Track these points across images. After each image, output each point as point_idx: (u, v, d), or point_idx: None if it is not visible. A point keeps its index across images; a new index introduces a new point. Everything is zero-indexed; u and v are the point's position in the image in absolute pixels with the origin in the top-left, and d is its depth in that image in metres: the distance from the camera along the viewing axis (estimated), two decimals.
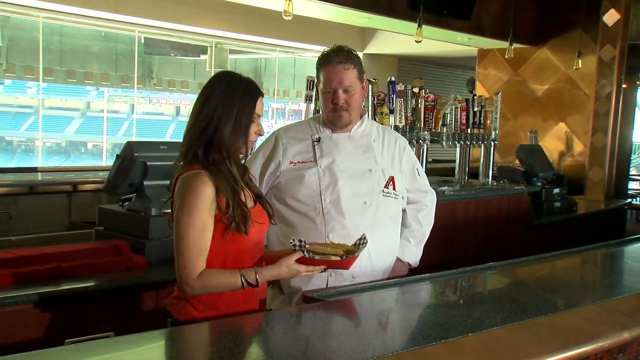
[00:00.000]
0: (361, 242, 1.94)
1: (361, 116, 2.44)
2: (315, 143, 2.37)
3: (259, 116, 1.92)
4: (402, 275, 2.44)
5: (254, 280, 1.83)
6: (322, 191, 2.30)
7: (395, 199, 2.41)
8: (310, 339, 1.60)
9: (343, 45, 2.35)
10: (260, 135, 1.95)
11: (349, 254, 1.92)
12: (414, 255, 2.57)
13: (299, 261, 1.87)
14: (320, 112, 2.46)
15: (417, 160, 2.63)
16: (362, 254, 2.27)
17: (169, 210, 1.91)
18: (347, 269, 1.96)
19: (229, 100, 1.86)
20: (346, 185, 2.31)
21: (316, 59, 2.39)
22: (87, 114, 11.02)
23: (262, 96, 1.95)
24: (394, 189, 2.39)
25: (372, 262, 2.32)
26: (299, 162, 2.34)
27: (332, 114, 2.33)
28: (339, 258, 1.89)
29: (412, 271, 2.53)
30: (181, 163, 1.90)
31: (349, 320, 1.79)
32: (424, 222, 2.59)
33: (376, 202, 2.34)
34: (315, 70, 2.41)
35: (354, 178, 2.33)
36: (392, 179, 2.39)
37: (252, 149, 1.99)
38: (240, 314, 1.87)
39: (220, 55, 9.45)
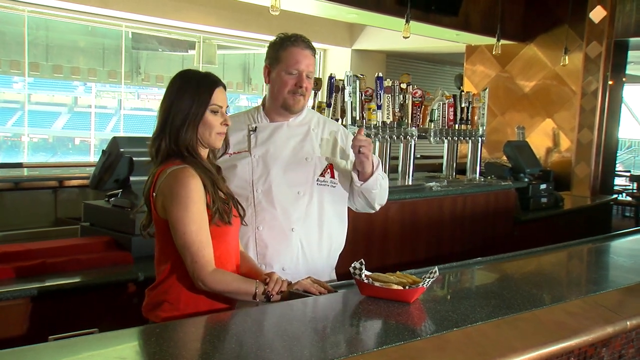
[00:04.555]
0: (430, 275, 1.84)
1: None
2: (252, 133, 2.33)
3: (221, 107, 1.91)
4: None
5: (264, 292, 1.85)
6: (254, 181, 2.26)
7: (332, 187, 2.32)
8: (295, 334, 1.60)
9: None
10: (227, 125, 1.94)
11: (415, 284, 1.83)
12: (379, 170, 2.34)
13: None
14: (265, 101, 2.39)
15: None
16: (294, 244, 2.23)
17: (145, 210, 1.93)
18: (409, 302, 1.82)
19: (182, 94, 1.87)
20: (279, 175, 2.26)
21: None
22: (74, 110, 10.92)
23: (223, 87, 1.94)
24: (332, 177, 2.32)
25: (305, 255, 2.25)
26: (234, 152, 2.30)
27: (290, 96, 2.27)
28: (401, 287, 1.82)
29: (402, 266, 2.48)
30: (158, 161, 1.90)
31: (333, 316, 1.79)
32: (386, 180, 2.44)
33: (310, 192, 2.27)
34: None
35: (289, 167, 2.28)
36: (330, 166, 2.32)
37: (227, 143, 2.01)
38: (221, 310, 1.88)
39: (208, 50, 9.40)
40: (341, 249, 2.41)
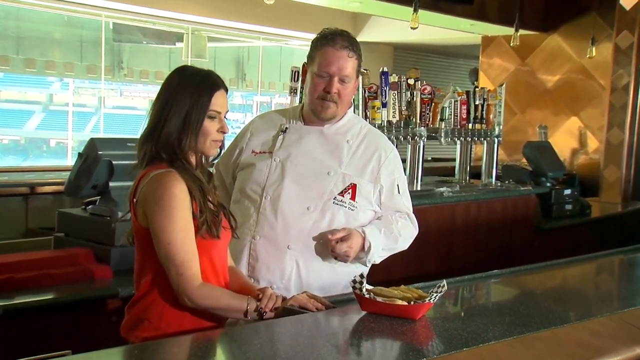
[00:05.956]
0: (437, 290, 1.85)
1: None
2: (281, 133, 2.33)
3: (219, 112, 1.91)
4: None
5: (256, 309, 1.86)
6: (266, 186, 2.26)
7: (349, 210, 2.25)
8: (289, 355, 1.61)
9: (346, 31, 2.31)
10: (225, 132, 1.95)
11: (421, 300, 1.83)
12: (377, 240, 2.26)
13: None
14: (303, 101, 2.40)
15: (403, 177, 2.45)
16: (288, 263, 2.21)
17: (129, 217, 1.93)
18: (415, 318, 1.83)
19: (179, 94, 1.88)
20: (292, 185, 2.24)
21: (306, 46, 2.34)
22: (49, 108, 10.94)
23: (224, 90, 1.95)
24: (352, 198, 2.25)
25: (299, 277, 2.22)
26: (260, 152, 2.33)
27: (319, 102, 2.26)
28: (405, 303, 1.82)
29: (408, 279, 2.48)
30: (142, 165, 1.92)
31: (331, 334, 1.80)
32: (402, 229, 2.35)
33: (322, 210, 2.23)
34: (304, 58, 2.35)
35: (306, 178, 2.26)
36: (353, 187, 2.26)
37: (222, 149, 2.01)
38: (208, 329, 1.88)
39: (197, 43, 9.43)
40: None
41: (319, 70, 2.25)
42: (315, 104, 2.28)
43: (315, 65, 2.26)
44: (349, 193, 2.26)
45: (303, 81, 2.36)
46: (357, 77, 2.33)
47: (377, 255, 2.29)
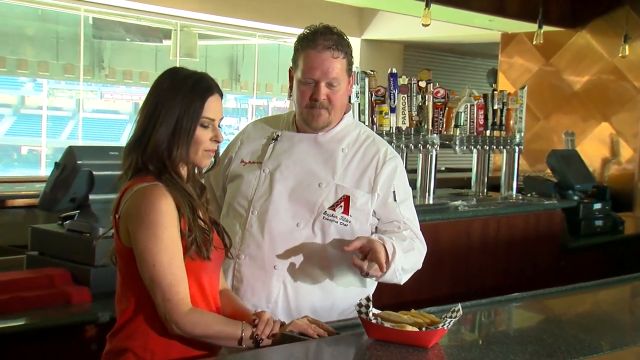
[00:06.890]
0: (451, 314, 1.85)
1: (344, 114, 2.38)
2: (272, 141, 2.35)
3: (213, 120, 1.93)
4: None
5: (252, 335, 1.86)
6: (254, 200, 2.27)
7: (341, 225, 2.24)
8: None
9: (331, 26, 2.29)
10: (219, 141, 1.96)
11: (434, 326, 1.84)
12: (395, 243, 2.19)
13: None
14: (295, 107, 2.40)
15: (405, 187, 2.39)
16: (274, 285, 2.22)
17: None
18: (427, 346, 1.83)
19: (169, 99, 1.89)
20: (281, 198, 2.25)
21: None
22: (21, 111, 10.97)
23: (219, 95, 1.97)
24: (344, 212, 2.24)
25: (287, 301, 2.23)
26: (249, 162, 2.34)
27: (307, 111, 2.27)
28: (416, 329, 1.83)
29: (420, 303, 2.48)
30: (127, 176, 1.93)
31: None
32: (416, 249, 2.32)
33: (312, 226, 2.24)
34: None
35: (296, 191, 2.26)
36: (345, 199, 2.25)
37: (216, 159, 2.03)
38: (198, 358, 1.89)
39: (187, 40, 9.47)
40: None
41: (303, 76, 2.25)
42: (305, 113, 2.29)
43: (299, 71, 2.26)
44: (340, 206, 2.25)
45: (290, 87, 2.36)
46: (349, 76, 2.33)
47: (400, 262, 2.18)
